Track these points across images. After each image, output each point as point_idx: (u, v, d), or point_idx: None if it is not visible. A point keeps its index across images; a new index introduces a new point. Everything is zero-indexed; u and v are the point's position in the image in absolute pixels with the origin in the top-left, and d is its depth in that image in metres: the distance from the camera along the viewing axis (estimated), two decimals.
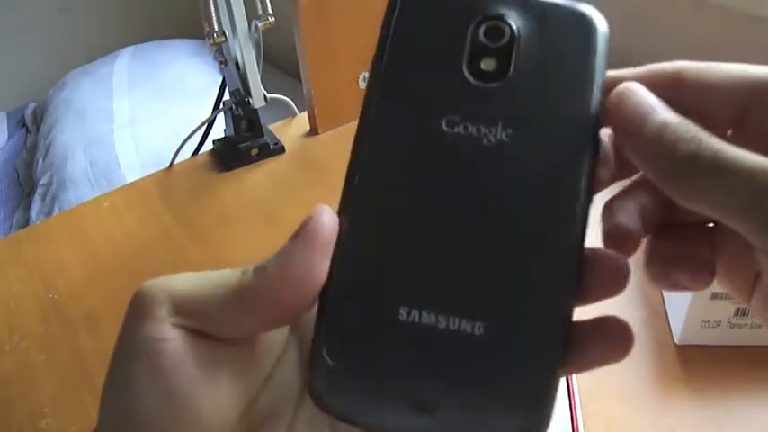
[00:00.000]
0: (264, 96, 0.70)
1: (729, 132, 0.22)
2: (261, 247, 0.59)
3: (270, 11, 0.67)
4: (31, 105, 1.68)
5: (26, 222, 1.27)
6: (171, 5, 1.95)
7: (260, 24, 0.67)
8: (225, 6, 0.66)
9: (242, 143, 0.73)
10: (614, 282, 0.20)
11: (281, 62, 1.59)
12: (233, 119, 0.72)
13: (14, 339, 0.55)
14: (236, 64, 0.70)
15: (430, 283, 0.20)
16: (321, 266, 0.20)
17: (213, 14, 0.67)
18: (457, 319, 0.19)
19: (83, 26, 1.91)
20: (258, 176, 0.72)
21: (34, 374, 0.52)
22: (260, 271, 0.20)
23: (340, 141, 0.76)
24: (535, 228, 0.20)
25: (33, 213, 1.26)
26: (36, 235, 0.68)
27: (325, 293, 0.20)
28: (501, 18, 0.22)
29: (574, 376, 0.44)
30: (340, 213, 0.21)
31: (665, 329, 0.48)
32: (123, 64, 1.59)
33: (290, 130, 0.80)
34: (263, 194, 0.70)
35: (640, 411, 0.43)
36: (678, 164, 0.19)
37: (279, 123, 0.82)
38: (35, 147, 1.49)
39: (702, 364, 0.45)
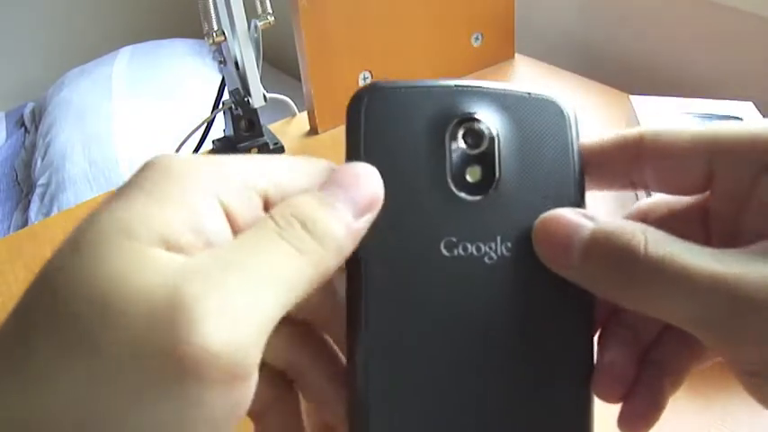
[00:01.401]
0: (264, 96, 0.70)
1: (706, 193, 0.21)
2: None
3: (269, 10, 0.67)
4: (30, 105, 1.68)
5: (25, 222, 1.27)
6: (170, 5, 1.95)
7: (259, 24, 0.67)
8: (224, 6, 0.66)
9: (241, 143, 0.73)
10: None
11: (281, 62, 1.59)
12: (232, 118, 0.72)
13: None
14: (236, 63, 0.70)
15: (456, 420, 0.20)
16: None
17: (212, 14, 0.67)
18: None
19: (81, 26, 1.91)
20: None
21: None
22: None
23: (340, 141, 0.76)
24: (554, 344, 0.20)
25: (32, 213, 1.26)
26: (35, 235, 0.68)
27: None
28: (477, 119, 0.21)
29: None
30: (355, 371, 0.20)
31: None
32: (122, 63, 1.59)
33: (290, 129, 0.80)
34: None
35: None
36: (617, 279, 0.18)
37: (278, 123, 0.82)
38: (34, 146, 1.48)
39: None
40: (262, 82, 0.70)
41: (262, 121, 0.74)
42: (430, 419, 0.20)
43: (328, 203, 0.18)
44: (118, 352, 0.15)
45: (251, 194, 0.18)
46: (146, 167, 0.18)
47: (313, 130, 0.78)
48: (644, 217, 0.22)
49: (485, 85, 0.21)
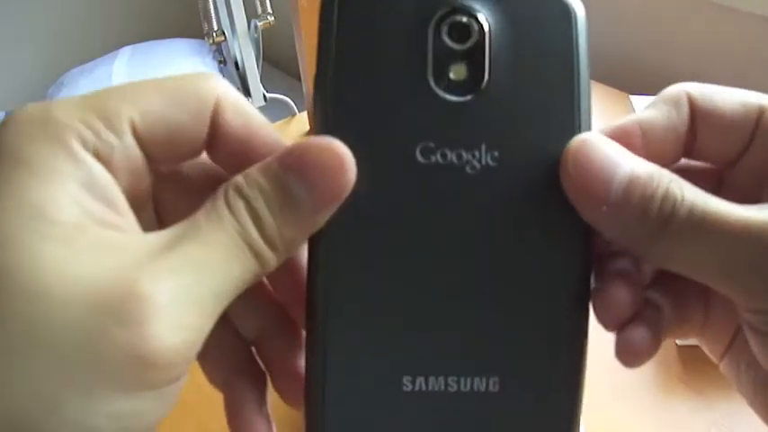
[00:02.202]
0: (264, 96, 0.70)
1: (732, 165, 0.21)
2: None
3: (269, 10, 0.67)
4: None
5: None
6: (170, 5, 1.95)
7: (259, 24, 0.67)
8: (224, 6, 0.66)
9: None
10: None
11: (281, 62, 1.59)
12: None
13: None
14: (236, 63, 0.70)
15: (432, 346, 0.18)
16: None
17: (212, 14, 0.67)
18: (469, 379, 0.18)
19: (81, 25, 1.91)
20: None
21: None
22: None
23: None
24: (537, 266, 0.18)
25: None
26: None
27: (313, 378, 0.18)
28: (466, 11, 0.18)
29: None
30: (314, 281, 0.18)
31: None
32: (122, 63, 1.59)
33: (290, 129, 0.80)
34: None
35: (640, 411, 0.43)
36: (650, 227, 0.17)
37: (279, 123, 0.82)
38: None
39: (703, 365, 0.45)
40: (262, 82, 0.70)
41: None
42: (395, 346, 0.18)
43: (282, 192, 0.16)
44: (65, 349, 0.14)
45: (117, 131, 0.17)
46: (2, 127, 0.16)
47: (313, 130, 0.78)
48: None
49: None
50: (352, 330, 0.18)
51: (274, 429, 0.20)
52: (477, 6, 0.18)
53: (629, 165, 0.18)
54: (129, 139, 0.17)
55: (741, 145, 0.20)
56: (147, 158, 0.18)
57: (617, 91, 0.76)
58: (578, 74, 0.18)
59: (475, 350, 0.18)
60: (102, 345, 0.14)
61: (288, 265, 0.19)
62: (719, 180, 0.21)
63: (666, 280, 0.21)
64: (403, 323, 0.18)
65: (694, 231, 0.17)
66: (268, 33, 0.68)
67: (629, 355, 0.19)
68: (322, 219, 0.17)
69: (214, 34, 0.67)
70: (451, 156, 0.18)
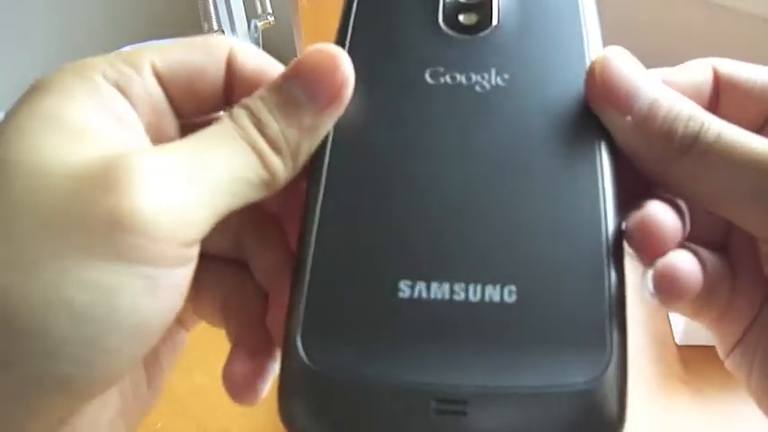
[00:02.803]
0: None
1: None
2: None
3: (269, 10, 0.67)
4: None
5: None
6: (170, 5, 1.95)
7: (259, 24, 0.67)
8: (224, 6, 0.66)
9: None
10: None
11: (280, 62, 1.59)
12: None
13: None
14: None
15: (436, 247, 0.15)
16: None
17: (212, 13, 0.67)
18: (479, 287, 0.15)
19: (81, 25, 1.91)
20: None
21: None
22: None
23: None
24: (555, 172, 0.17)
25: None
26: None
27: (298, 277, 0.16)
28: None
29: None
30: (315, 177, 0.17)
31: (666, 329, 0.48)
32: None
33: None
34: None
35: (641, 411, 0.43)
36: (675, 146, 0.17)
37: None
38: None
39: (703, 365, 0.45)
40: None
41: None
42: (393, 244, 0.16)
43: (286, 99, 0.17)
44: (48, 215, 0.14)
45: (137, 67, 0.18)
46: (34, 84, 0.18)
47: None
48: None
49: None
50: (344, 223, 0.16)
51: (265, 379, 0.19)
52: None
53: (657, 84, 0.18)
54: (149, 76, 0.17)
55: (763, 117, 0.19)
56: (169, 100, 0.18)
57: None
58: (583, 15, 0.19)
59: (488, 257, 0.15)
60: (82, 208, 0.14)
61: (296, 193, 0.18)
62: None
63: (696, 248, 0.20)
64: (404, 219, 0.16)
65: (722, 154, 0.17)
66: (268, 33, 0.68)
67: (668, 280, 0.17)
68: (324, 122, 0.17)
69: (214, 34, 0.67)
70: (461, 77, 0.17)
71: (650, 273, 0.17)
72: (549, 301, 0.15)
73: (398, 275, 0.15)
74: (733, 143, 0.17)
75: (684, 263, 0.17)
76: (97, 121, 0.16)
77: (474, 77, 0.17)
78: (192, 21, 0.91)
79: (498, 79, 0.17)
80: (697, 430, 0.42)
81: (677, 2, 0.78)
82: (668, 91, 0.18)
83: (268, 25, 0.67)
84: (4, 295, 0.14)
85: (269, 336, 0.19)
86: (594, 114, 0.17)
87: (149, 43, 0.19)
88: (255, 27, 0.67)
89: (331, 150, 0.17)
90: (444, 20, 0.18)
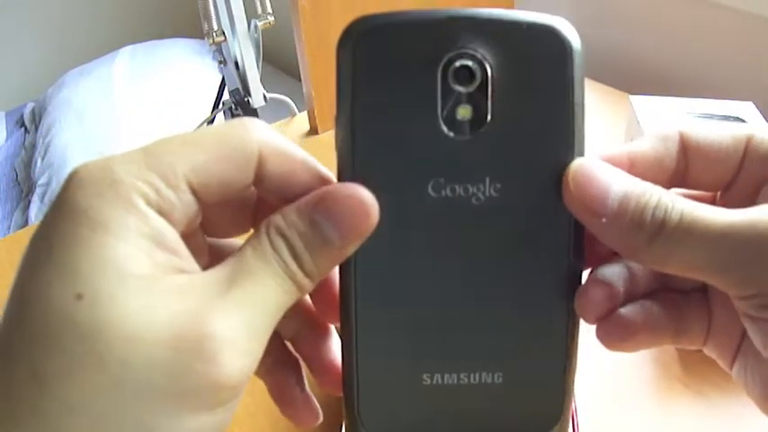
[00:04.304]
0: (264, 96, 0.70)
1: (719, 193, 0.23)
2: None
3: (269, 10, 0.67)
4: (30, 105, 1.68)
5: (25, 222, 1.27)
6: (170, 5, 1.95)
7: (259, 24, 0.67)
8: (224, 6, 0.66)
9: None
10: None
11: (281, 62, 1.59)
12: (232, 118, 0.72)
13: None
14: (236, 63, 0.70)
15: (446, 348, 0.21)
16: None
17: (212, 14, 0.67)
18: (477, 374, 0.21)
19: (82, 25, 1.91)
20: None
21: None
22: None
23: None
24: (530, 278, 0.21)
25: (32, 213, 1.26)
26: None
27: (348, 376, 0.21)
28: (470, 56, 0.20)
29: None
30: (345, 299, 0.21)
31: None
32: (122, 63, 1.59)
33: (290, 129, 0.80)
34: None
35: (640, 413, 0.43)
36: (645, 233, 0.19)
37: (279, 123, 0.82)
38: (34, 146, 1.48)
39: (703, 366, 0.45)
40: (262, 82, 0.70)
41: None
42: (415, 349, 0.21)
43: (317, 234, 0.20)
44: (156, 384, 0.17)
45: (176, 188, 0.19)
46: (69, 187, 0.18)
47: (313, 130, 0.78)
48: None
49: (479, 14, 0.20)
50: (379, 337, 0.21)
51: (316, 404, 0.24)
52: (480, 49, 0.20)
53: (624, 181, 0.20)
54: (187, 195, 0.19)
55: (731, 174, 0.22)
56: (199, 204, 0.20)
57: (617, 91, 0.76)
58: (573, 107, 0.20)
59: (482, 350, 0.21)
60: (185, 377, 0.17)
61: (322, 282, 0.22)
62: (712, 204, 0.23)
63: (666, 294, 0.23)
64: (421, 330, 0.21)
65: (686, 233, 0.19)
66: (268, 33, 0.68)
67: (604, 337, 0.22)
68: (350, 252, 0.20)
69: (214, 34, 0.67)
70: (459, 189, 0.20)
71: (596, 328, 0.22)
72: (525, 381, 0.22)
73: (422, 370, 0.21)
74: (695, 222, 0.19)
75: (618, 327, 0.22)
76: (157, 262, 0.18)
77: (470, 189, 0.20)
78: (192, 21, 0.91)
79: (491, 190, 0.20)
80: (697, 430, 0.42)
81: (678, 2, 0.78)
82: (635, 184, 0.20)
83: (268, 25, 0.67)
84: None
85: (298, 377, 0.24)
86: (569, 229, 0.21)
87: (177, 142, 0.20)
88: (255, 27, 0.67)
89: (356, 270, 0.21)
90: (442, 114, 0.20)
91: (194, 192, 0.19)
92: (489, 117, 0.20)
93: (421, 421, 0.22)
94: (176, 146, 0.19)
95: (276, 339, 0.24)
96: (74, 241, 0.17)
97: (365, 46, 0.20)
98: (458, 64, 0.20)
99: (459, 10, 0.20)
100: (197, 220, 0.21)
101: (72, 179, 0.18)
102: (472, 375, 0.21)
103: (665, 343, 0.23)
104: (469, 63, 0.20)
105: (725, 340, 0.23)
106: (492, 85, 0.20)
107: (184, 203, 0.19)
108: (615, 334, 0.22)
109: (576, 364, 0.22)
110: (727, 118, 0.57)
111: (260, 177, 0.20)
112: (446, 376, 0.21)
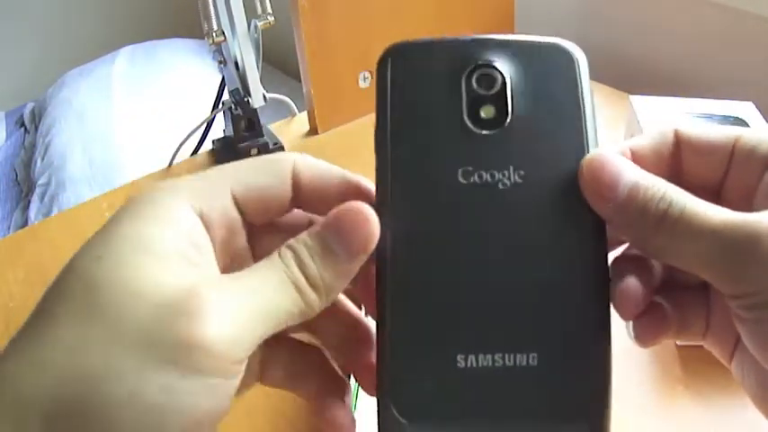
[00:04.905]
0: (264, 96, 0.70)
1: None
2: None
3: (269, 10, 0.67)
4: (30, 105, 1.68)
5: (25, 222, 1.27)
6: (170, 5, 1.95)
7: (259, 24, 0.67)
8: (224, 6, 0.66)
9: (241, 143, 0.73)
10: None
11: (281, 62, 1.59)
12: (232, 118, 0.72)
13: None
14: (236, 63, 0.70)
15: (481, 329, 0.21)
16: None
17: (212, 14, 0.67)
18: (512, 355, 0.21)
19: (81, 25, 1.91)
20: None
21: None
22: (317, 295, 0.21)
23: (340, 141, 0.76)
24: (562, 258, 0.22)
25: (32, 213, 1.26)
26: (35, 235, 0.68)
27: (382, 356, 0.22)
28: (490, 65, 0.23)
29: None
30: (383, 278, 0.22)
31: None
32: (122, 63, 1.59)
33: (290, 129, 0.80)
34: None
35: (640, 412, 0.43)
36: (649, 223, 0.21)
37: (278, 123, 0.82)
38: (33, 146, 1.48)
39: (703, 366, 0.45)
40: (262, 82, 0.70)
41: (262, 121, 0.74)
42: (450, 329, 0.21)
43: (325, 248, 0.21)
44: (136, 333, 0.18)
45: (220, 196, 0.22)
46: (130, 201, 0.21)
47: (313, 130, 0.78)
48: None
49: (498, 37, 0.23)
50: (413, 318, 0.22)
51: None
52: (499, 60, 0.23)
53: (635, 172, 0.22)
54: (229, 201, 0.22)
55: (721, 169, 0.23)
56: (243, 217, 0.23)
57: (617, 91, 0.76)
58: (584, 106, 0.23)
59: (517, 332, 0.21)
60: (163, 331, 0.18)
61: (369, 277, 0.23)
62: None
63: (669, 289, 0.24)
64: (454, 310, 0.22)
65: (685, 226, 0.20)
66: (268, 33, 0.68)
67: (641, 336, 0.23)
68: (355, 266, 0.21)
69: (214, 34, 0.67)
70: (486, 176, 0.22)
71: (631, 324, 0.23)
72: (560, 364, 0.21)
73: (456, 351, 0.21)
74: (694, 216, 0.20)
75: (655, 321, 0.23)
76: (178, 249, 0.20)
77: (497, 175, 0.22)
78: (192, 21, 0.91)
79: (516, 176, 0.22)
80: (697, 430, 0.42)
81: (678, 2, 0.78)
82: (644, 176, 0.21)
83: (268, 25, 0.67)
84: (93, 393, 0.18)
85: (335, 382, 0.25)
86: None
87: (226, 168, 0.23)
88: (255, 27, 0.67)
89: (392, 252, 0.22)
90: (468, 114, 0.22)
91: (236, 201, 0.22)
92: (510, 115, 0.22)
93: (455, 406, 0.21)
94: (222, 168, 0.23)
95: (322, 362, 0.25)
96: (112, 224, 0.20)
97: (401, 61, 0.23)
98: (481, 72, 0.23)
99: (482, 35, 0.23)
100: (239, 235, 0.23)
101: (136, 193, 0.21)
102: (507, 356, 0.21)
103: (670, 338, 0.24)
104: (490, 71, 0.23)
105: (723, 336, 0.23)
106: (511, 89, 0.23)
107: (226, 208, 0.22)
108: (652, 329, 0.23)
109: (610, 343, 0.21)
110: (727, 118, 0.57)
111: (297, 189, 0.23)
112: (480, 357, 0.21)
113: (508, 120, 0.22)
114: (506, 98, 0.23)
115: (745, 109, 0.58)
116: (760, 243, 0.19)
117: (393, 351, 0.21)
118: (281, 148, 0.75)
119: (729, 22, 0.73)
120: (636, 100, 0.60)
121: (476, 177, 0.22)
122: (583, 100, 0.23)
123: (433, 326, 0.21)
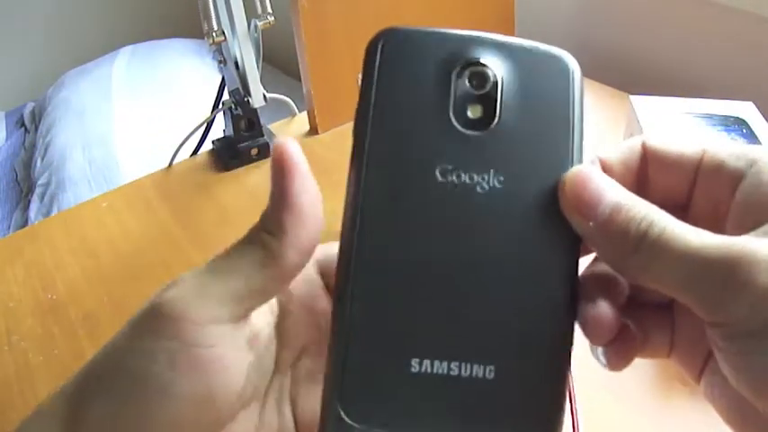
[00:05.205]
0: (264, 96, 0.70)
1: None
2: None
3: (269, 10, 0.67)
4: (30, 105, 1.68)
5: (25, 222, 1.27)
6: (170, 5, 1.95)
7: (259, 24, 0.67)
8: (224, 6, 0.66)
9: (241, 143, 0.73)
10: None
11: (281, 62, 1.59)
12: (232, 118, 0.72)
13: (13, 340, 0.55)
14: (236, 63, 0.70)
15: (438, 334, 0.20)
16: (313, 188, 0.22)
17: (212, 14, 0.67)
18: (469, 365, 0.20)
19: (81, 26, 1.91)
20: (257, 176, 0.72)
21: (33, 375, 0.52)
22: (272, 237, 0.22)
23: (340, 141, 0.76)
24: (532, 271, 0.21)
25: (32, 213, 1.26)
26: (35, 235, 0.68)
27: (334, 353, 0.21)
28: (484, 64, 0.22)
29: (574, 377, 0.44)
30: (343, 270, 0.21)
31: None
32: (122, 63, 1.59)
33: (290, 129, 0.80)
34: (263, 194, 0.69)
35: (640, 412, 0.43)
36: (630, 244, 0.20)
37: (279, 123, 0.82)
38: (33, 146, 1.48)
39: None
40: (262, 82, 0.70)
41: (262, 121, 0.74)
42: (406, 330, 0.21)
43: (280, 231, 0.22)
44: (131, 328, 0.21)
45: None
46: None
47: (313, 130, 0.78)
48: None
49: (496, 37, 0.23)
50: (371, 315, 0.21)
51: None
52: (493, 59, 0.22)
53: (617, 192, 0.21)
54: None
55: (687, 182, 0.23)
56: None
57: (617, 91, 0.76)
58: (573, 118, 0.22)
59: (476, 340, 0.20)
60: (144, 308, 0.21)
61: None
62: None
63: (633, 307, 0.23)
64: (414, 313, 0.21)
65: (663, 248, 0.20)
66: (268, 33, 0.68)
67: (612, 362, 0.22)
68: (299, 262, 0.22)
69: (214, 34, 0.67)
70: (465, 177, 0.21)
71: (600, 350, 0.22)
72: (517, 381, 0.20)
73: (411, 354, 0.20)
74: (673, 238, 0.19)
75: (625, 344, 0.22)
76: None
77: (476, 178, 0.21)
78: (192, 21, 0.91)
79: (495, 181, 0.21)
80: (697, 430, 0.42)
81: (678, 2, 0.78)
82: (626, 196, 0.21)
83: (268, 25, 0.67)
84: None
85: None
86: (567, 224, 0.21)
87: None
88: (255, 27, 0.67)
89: (358, 240, 0.21)
90: (454, 112, 0.22)
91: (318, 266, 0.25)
92: (497, 118, 0.22)
93: (405, 414, 0.20)
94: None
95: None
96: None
97: (393, 46, 0.22)
98: (473, 69, 0.22)
99: (480, 32, 0.22)
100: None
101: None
102: (463, 366, 0.20)
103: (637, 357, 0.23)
104: (483, 69, 0.22)
105: (689, 355, 0.23)
106: (501, 91, 0.22)
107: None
108: (623, 353, 0.22)
109: (569, 366, 0.21)
110: (727, 118, 0.57)
111: None
112: (436, 364, 0.20)
113: (495, 122, 0.22)
114: (496, 100, 0.22)
115: (745, 109, 0.58)
116: (739, 269, 0.18)
117: (345, 348, 0.20)
118: None
119: (729, 22, 0.73)
120: (636, 100, 0.60)
121: (454, 177, 0.21)
122: (573, 113, 0.22)
123: (388, 325, 0.20)
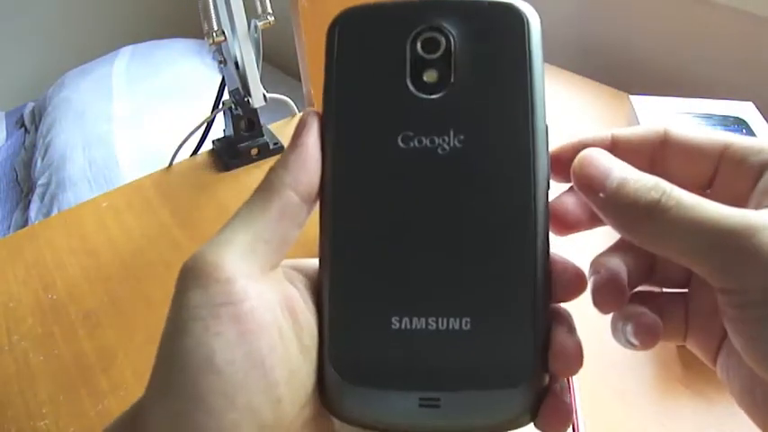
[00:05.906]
0: (264, 96, 0.70)
1: (707, 191, 0.24)
2: None
3: (269, 10, 0.67)
4: (30, 105, 1.68)
5: (25, 222, 1.27)
6: (170, 5, 1.95)
7: (259, 24, 0.67)
8: (224, 6, 0.66)
9: (241, 143, 0.73)
10: (575, 289, 0.22)
11: (281, 62, 1.59)
12: (232, 118, 0.72)
13: (13, 339, 0.55)
14: (236, 63, 0.70)
15: (414, 292, 0.21)
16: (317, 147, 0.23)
17: (212, 14, 0.67)
18: (446, 319, 0.21)
19: (82, 26, 1.91)
20: (258, 176, 0.72)
21: (33, 374, 0.52)
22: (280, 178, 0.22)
23: None
24: (502, 225, 0.22)
25: (32, 213, 1.26)
26: (35, 235, 0.68)
27: (323, 315, 0.22)
28: (436, 28, 0.22)
29: (574, 377, 0.44)
30: (323, 238, 0.22)
31: None
32: (122, 63, 1.59)
33: (290, 129, 0.80)
34: None
35: (641, 413, 0.43)
36: (641, 211, 0.21)
37: (279, 123, 0.82)
38: (34, 146, 1.48)
39: (703, 366, 0.45)
40: (262, 82, 0.70)
41: (262, 121, 0.74)
42: (385, 291, 0.22)
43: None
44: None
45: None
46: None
47: None
48: None
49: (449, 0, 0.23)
50: (351, 277, 0.22)
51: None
52: (445, 23, 0.22)
53: (624, 169, 0.22)
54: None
55: (707, 173, 0.23)
56: None
57: (617, 91, 0.76)
58: (531, 69, 0.22)
59: (450, 296, 0.21)
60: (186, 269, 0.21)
61: None
62: None
63: (648, 298, 0.24)
64: (390, 271, 0.22)
65: (679, 218, 0.20)
66: (268, 33, 0.68)
67: (643, 338, 0.23)
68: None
69: (214, 34, 0.67)
70: (426, 141, 0.22)
71: (629, 329, 0.23)
72: (493, 330, 0.21)
73: (391, 312, 0.21)
74: (690, 207, 0.20)
75: (654, 321, 0.22)
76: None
77: (437, 140, 0.22)
78: (192, 21, 0.91)
79: (455, 141, 0.22)
80: (697, 430, 0.42)
81: (678, 2, 0.78)
82: (634, 172, 0.21)
83: (268, 25, 0.67)
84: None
85: None
86: (531, 173, 0.22)
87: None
88: (255, 27, 0.67)
89: (333, 211, 0.22)
90: (411, 78, 0.22)
91: None
92: (452, 79, 0.22)
93: (390, 368, 0.21)
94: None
95: None
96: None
97: (350, 25, 0.23)
98: (425, 36, 0.22)
99: None
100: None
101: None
102: (440, 320, 0.21)
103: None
104: (435, 34, 0.22)
105: (704, 338, 0.24)
106: (455, 53, 0.22)
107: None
108: (652, 334, 0.23)
109: (545, 310, 0.21)
110: (727, 118, 0.57)
111: None
112: (414, 320, 0.21)
113: (450, 84, 0.22)
114: (450, 62, 0.22)
115: (745, 109, 0.58)
116: (754, 237, 0.19)
117: (331, 309, 0.22)
118: (282, 149, 0.75)
119: (729, 22, 0.73)
120: (636, 100, 0.60)
121: (415, 142, 0.22)
122: (530, 64, 0.22)
123: (368, 287, 0.22)
